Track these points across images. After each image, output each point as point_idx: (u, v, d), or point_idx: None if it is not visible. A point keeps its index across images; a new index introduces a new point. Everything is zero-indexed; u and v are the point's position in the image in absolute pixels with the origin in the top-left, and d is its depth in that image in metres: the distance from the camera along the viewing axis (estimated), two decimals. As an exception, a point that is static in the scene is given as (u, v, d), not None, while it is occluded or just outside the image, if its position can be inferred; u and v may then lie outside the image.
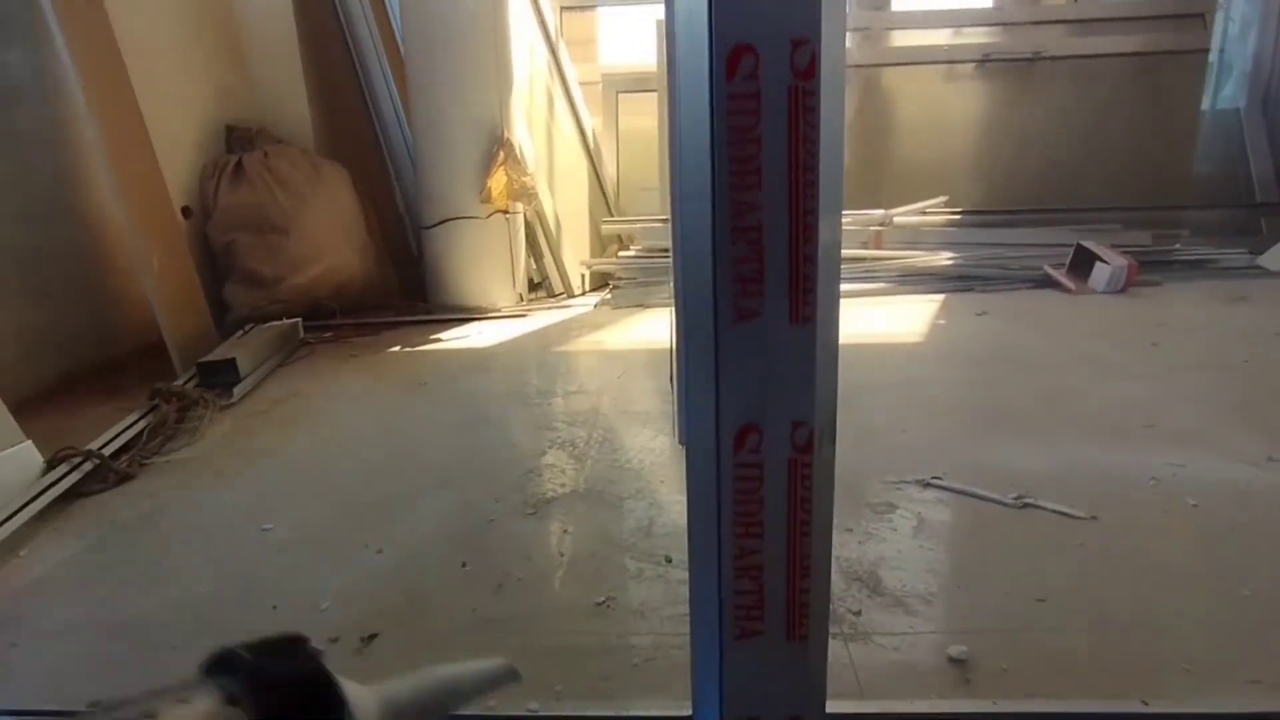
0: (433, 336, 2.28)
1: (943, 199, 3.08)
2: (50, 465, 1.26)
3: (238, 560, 1.03)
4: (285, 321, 2.25)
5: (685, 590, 0.90)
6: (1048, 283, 2.58)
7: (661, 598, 0.90)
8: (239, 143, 2.58)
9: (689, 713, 0.60)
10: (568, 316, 2.53)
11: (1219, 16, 3.51)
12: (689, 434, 0.51)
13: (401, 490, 1.22)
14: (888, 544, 1.00)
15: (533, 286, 2.84)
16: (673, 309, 0.52)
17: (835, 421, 0.50)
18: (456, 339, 2.26)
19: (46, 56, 1.93)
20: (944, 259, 2.75)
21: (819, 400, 0.47)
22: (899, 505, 1.11)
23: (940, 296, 2.52)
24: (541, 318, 2.50)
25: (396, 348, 2.16)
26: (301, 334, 2.27)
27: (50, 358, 1.92)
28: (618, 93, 3.90)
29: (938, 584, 0.91)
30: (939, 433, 1.38)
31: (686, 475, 0.53)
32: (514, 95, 2.59)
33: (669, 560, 0.98)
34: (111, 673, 0.80)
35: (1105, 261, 2.47)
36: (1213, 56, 3.54)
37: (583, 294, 2.86)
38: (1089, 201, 3.28)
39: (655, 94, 3.59)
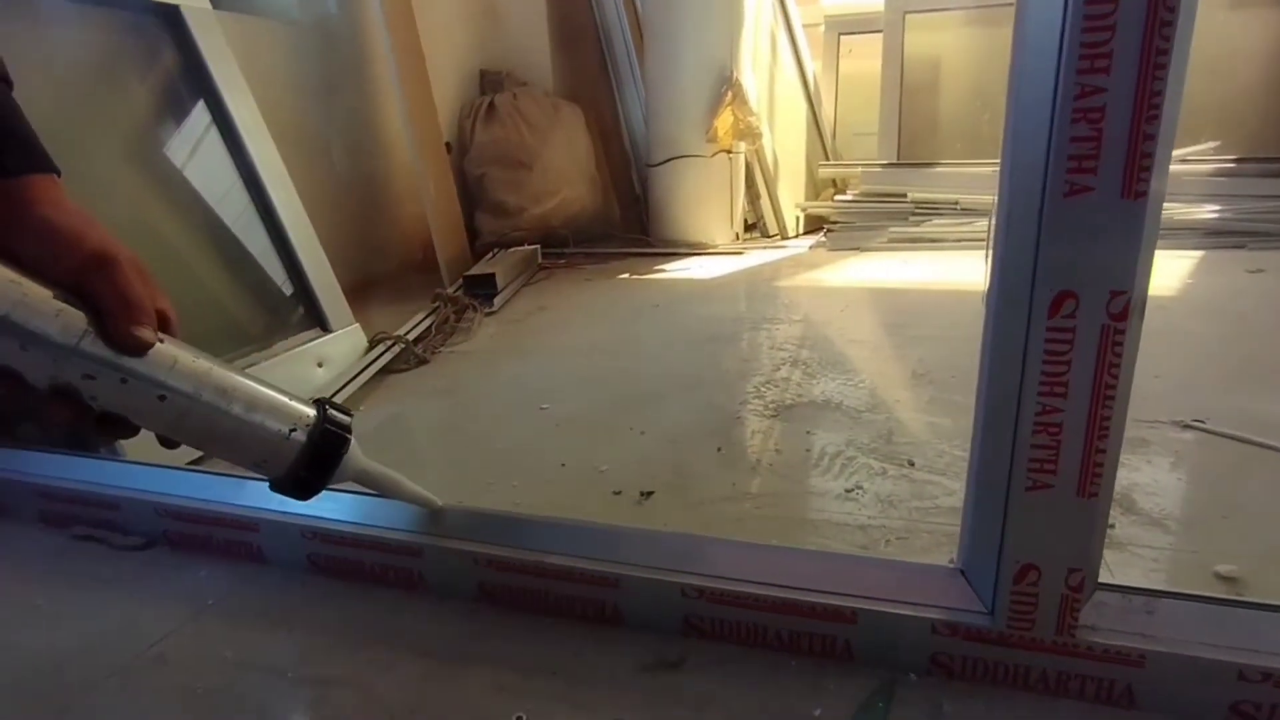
0: (656, 267, 2.44)
1: (1213, 144, 2.74)
2: (371, 345, 1.54)
3: (525, 429, 1.23)
4: (526, 247, 2.50)
5: (931, 489, 0.96)
6: (1346, 241, 2.25)
7: (908, 493, 0.96)
8: (491, 85, 2.85)
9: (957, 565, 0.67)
10: (783, 256, 2.58)
11: None
12: (997, 299, 0.57)
13: (652, 389, 1.36)
14: (1141, 474, 0.99)
15: (747, 227, 2.91)
16: (997, 183, 0.57)
17: (1146, 297, 0.54)
18: (679, 270, 2.39)
19: (355, 2, 2.27)
20: (1207, 212, 2.47)
21: (1139, 272, 0.51)
22: (1153, 443, 1.08)
23: (1199, 253, 2.29)
24: (757, 256, 2.57)
25: (625, 275, 2.34)
26: (539, 259, 2.51)
27: (346, 268, 2.29)
28: (839, 34, 3.81)
29: (1197, 512, 0.89)
30: (1196, 381, 1.30)
31: (986, 338, 0.59)
32: (743, 37, 2.64)
33: (911, 464, 1.03)
34: (452, 489, 1.00)
35: None
36: None
37: (796, 236, 2.89)
38: None
39: (880, 35, 3.47)
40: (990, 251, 0.58)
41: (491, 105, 2.69)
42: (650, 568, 0.71)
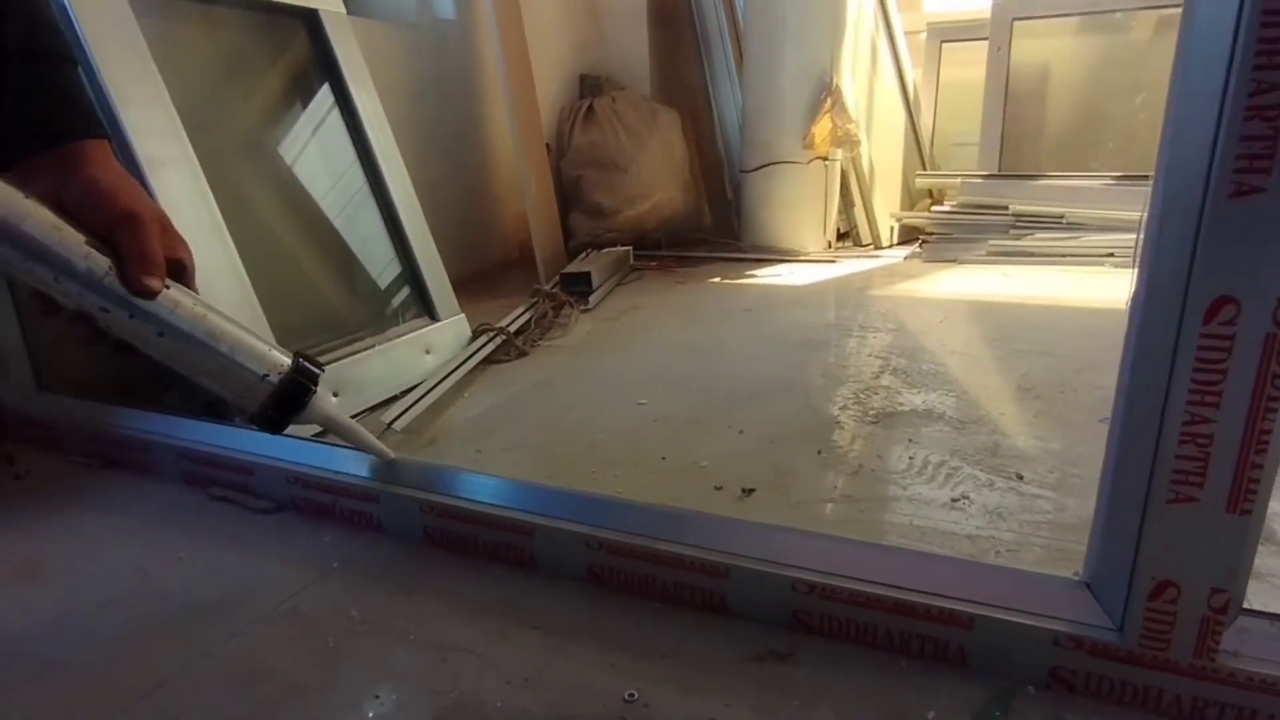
0: (747, 272, 2.43)
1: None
2: (474, 335, 1.60)
3: (623, 422, 1.25)
4: (619, 248, 2.54)
5: (1041, 504, 0.93)
6: None
7: (1017, 506, 0.93)
8: (590, 89, 2.90)
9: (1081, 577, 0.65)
10: (876, 266, 2.53)
11: None
12: (1144, 303, 0.55)
13: (748, 390, 1.37)
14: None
15: (839, 236, 2.87)
16: (1152, 183, 0.56)
17: (1317, 307, 0.51)
18: (771, 276, 2.38)
19: (468, 7, 2.36)
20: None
21: (1312, 280, 0.49)
22: (1290, 470, 1.01)
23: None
24: (850, 265, 2.53)
25: (717, 278, 2.35)
26: (631, 260, 2.54)
27: (449, 261, 2.37)
28: (941, 42, 3.72)
29: (1347, 547, 0.84)
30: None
31: (1129, 343, 0.57)
32: (844, 43, 2.61)
33: (1020, 477, 1.00)
34: (556, 476, 1.04)
35: None
36: None
37: (890, 246, 2.83)
38: None
39: (985, 42, 3.37)
40: (1138, 254, 0.56)
41: (590, 109, 2.74)
42: (761, 560, 0.72)
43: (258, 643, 0.73)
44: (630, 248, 2.57)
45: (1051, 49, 3.24)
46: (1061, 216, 2.56)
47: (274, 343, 0.75)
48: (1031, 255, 2.52)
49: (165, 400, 1.21)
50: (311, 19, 1.43)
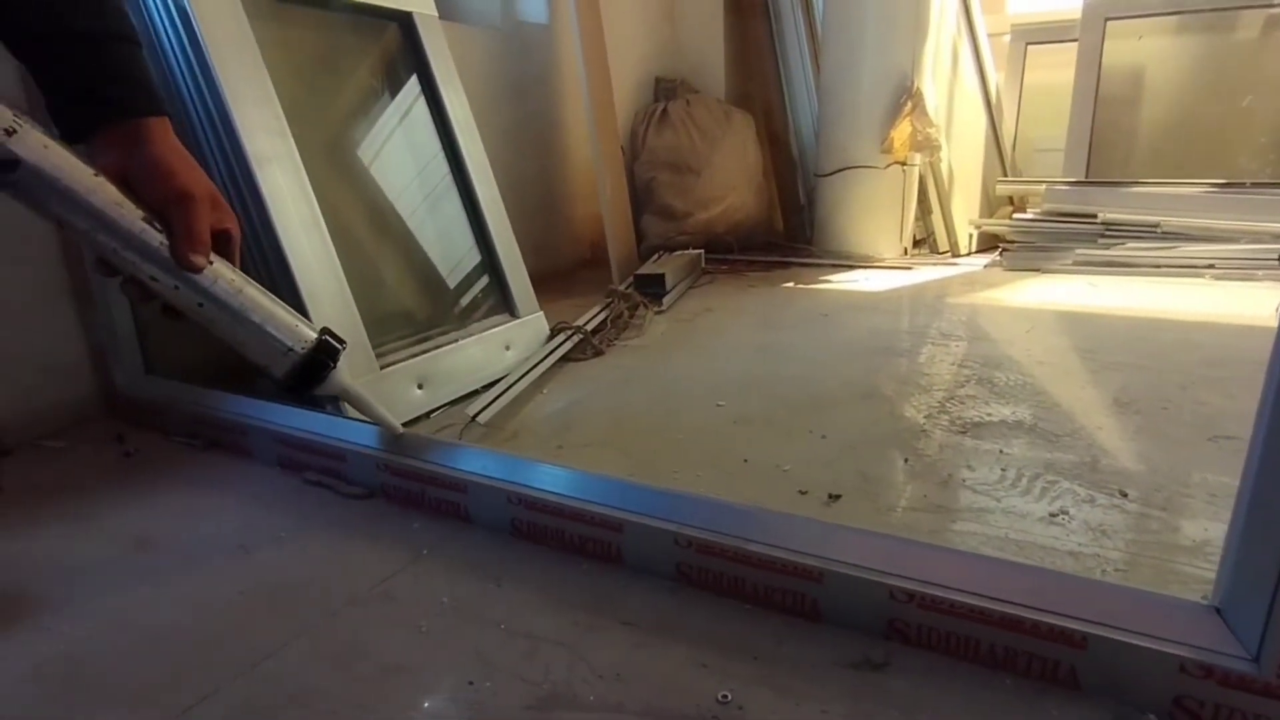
0: (821, 277, 2.40)
1: None
2: (552, 334, 1.62)
3: (703, 423, 1.24)
4: (692, 251, 2.53)
5: (1150, 523, 0.89)
6: None
7: (1122, 525, 0.89)
8: (665, 92, 2.91)
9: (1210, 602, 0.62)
10: (954, 273, 2.47)
11: None
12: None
13: (829, 394, 1.34)
14: None
15: (916, 242, 2.80)
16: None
17: None
18: (845, 282, 2.34)
19: (552, 13, 2.39)
20: None
21: None
22: None
23: None
24: (927, 272, 2.47)
25: (790, 283, 2.32)
26: (703, 263, 2.53)
27: (526, 260, 2.42)
28: (1026, 44, 3.61)
29: None
30: None
31: (1277, 350, 0.53)
32: (926, 46, 2.56)
33: (1124, 494, 0.96)
34: (639, 475, 1.04)
35: None
36: None
37: (968, 254, 2.76)
38: None
39: (1072, 44, 3.25)
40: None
41: (665, 111, 2.74)
42: (858, 566, 0.70)
43: (354, 623, 0.75)
44: (702, 251, 2.56)
45: (1146, 50, 3.10)
46: (1157, 225, 2.44)
47: (303, 318, 0.83)
48: (1122, 266, 2.41)
49: (258, 387, 1.25)
50: (406, 21, 1.47)
